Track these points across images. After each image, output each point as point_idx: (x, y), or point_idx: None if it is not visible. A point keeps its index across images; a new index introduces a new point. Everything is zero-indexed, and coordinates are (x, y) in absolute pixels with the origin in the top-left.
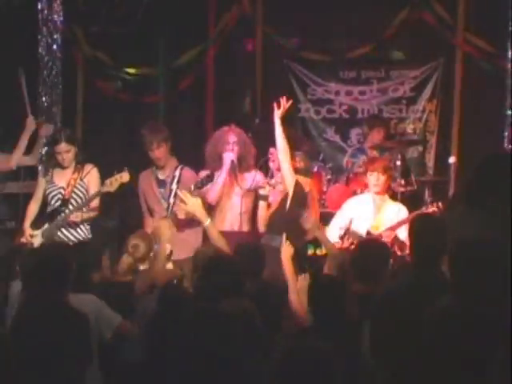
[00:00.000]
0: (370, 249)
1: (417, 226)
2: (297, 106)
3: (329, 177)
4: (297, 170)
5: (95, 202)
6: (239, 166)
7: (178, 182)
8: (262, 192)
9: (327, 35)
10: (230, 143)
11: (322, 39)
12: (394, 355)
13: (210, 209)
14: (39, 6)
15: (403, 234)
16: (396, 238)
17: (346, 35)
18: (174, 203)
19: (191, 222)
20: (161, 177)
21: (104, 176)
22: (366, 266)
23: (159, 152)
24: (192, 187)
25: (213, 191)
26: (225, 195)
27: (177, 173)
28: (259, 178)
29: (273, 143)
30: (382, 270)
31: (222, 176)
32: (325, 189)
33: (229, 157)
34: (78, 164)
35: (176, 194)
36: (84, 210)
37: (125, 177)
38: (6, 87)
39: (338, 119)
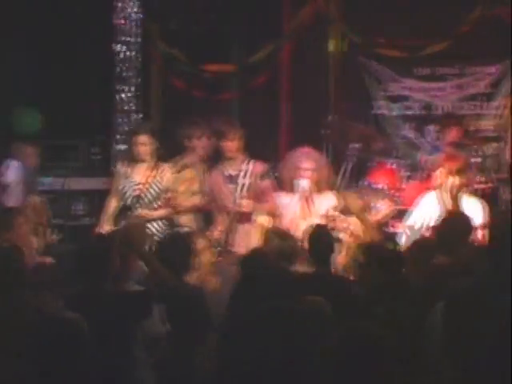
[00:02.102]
0: (453, 221)
1: (496, 221)
2: (371, 102)
3: (405, 174)
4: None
5: (169, 199)
6: (314, 190)
7: (248, 176)
8: None
9: (403, 32)
10: (304, 169)
11: (397, 36)
12: (467, 355)
13: None
14: (116, 3)
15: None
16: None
17: (422, 32)
18: (242, 197)
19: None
20: (228, 173)
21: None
22: (448, 237)
23: (233, 144)
24: (256, 179)
25: (285, 217)
26: (301, 218)
27: (246, 167)
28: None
29: (347, 141)
30: (463, 242)
31: (294, 204)
32: (401, 186)
33: (302, 184)
34: (155, 161)
35: (247, 189)
36: (155, 206)
37: (188, 174)
38: (83, 82)
39: (414, 116)
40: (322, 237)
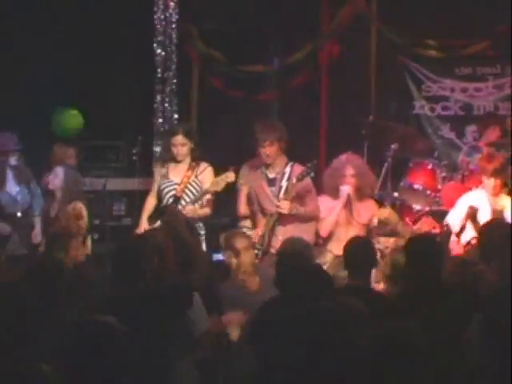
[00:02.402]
0: (492, 229)
1: None
2: (411, 102)
3: (443, 174)
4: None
5: (208, 200)
6: (356, 197)
7: (289, 178)
8: None
9: (442, 32)
10: (347, 176)
11: (436, 36)
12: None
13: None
14: (155, 4)
15: None
16: None
17: (461, 31)
18: (281, 199)
19: (299, 219)
20: (270, 175)
21: (217, 173)
22: (488, 247)
23: (270, 150)
24: (294, 180)
25: (326, 223)
26: (342, 225)
27: (287, 169)
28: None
29: (388, 141)
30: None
31: (336, 209)
32: (439, 186)
33: (345, 190)
34: (193, 161)
35: (286, 191)
36: (197, 206)
37: (230, 177)
38: (123, 82)
39: (454, 116)
40: (364, 250)
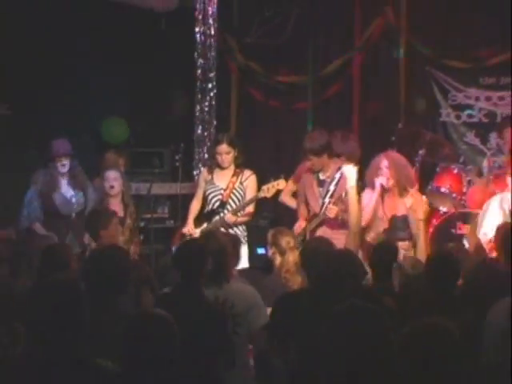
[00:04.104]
0: None
1: None
2: (438, 111)
3: (469, 178)
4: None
5: (250, 207)
6: (395, 192)
7: (337, 183)
8: None
9: (468, 43)
10: (382, 168)
11: (462, 47)
12: None
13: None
14: (195, 17)
15: None
16: None
17: (487, 42)
18: (328, 203)
19: (341, 223)
20: (322, 177)
21: (257, 181)
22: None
23: (316, 160)
24: (343, 195)
25: (364, 213)
26: (380, 218)
27: (337, 175)
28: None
29: (416, 148)
30: None
31: (372, 200)
32: (465, 190)
33: (378, 181)
34: (237, 168)
35: (332, 195)
36: (240, 213)
37: (281, 184)
38: (161, 94)
39: (478, 123)
40: (387, 250)
